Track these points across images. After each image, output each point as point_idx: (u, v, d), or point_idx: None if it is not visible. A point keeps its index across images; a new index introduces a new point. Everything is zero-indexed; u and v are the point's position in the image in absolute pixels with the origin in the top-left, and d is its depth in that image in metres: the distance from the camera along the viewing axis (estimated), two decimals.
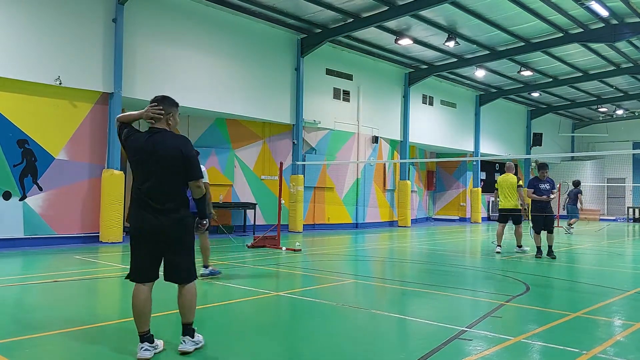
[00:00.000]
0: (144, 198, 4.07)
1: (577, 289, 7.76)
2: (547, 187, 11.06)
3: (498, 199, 11.90)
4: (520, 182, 11.66)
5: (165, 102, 4.21)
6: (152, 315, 4.17)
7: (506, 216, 11.79)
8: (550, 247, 10.90)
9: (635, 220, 28.29)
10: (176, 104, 4.29)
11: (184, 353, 4.09)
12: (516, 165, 30.85)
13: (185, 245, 4.17)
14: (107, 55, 12.39)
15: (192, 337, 4.21)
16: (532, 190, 11.08)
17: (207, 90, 14.47)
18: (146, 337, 4.05)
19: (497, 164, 28.12)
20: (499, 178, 11.97)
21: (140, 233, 4.09)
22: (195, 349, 4.18)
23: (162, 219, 4.04)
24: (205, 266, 7.64)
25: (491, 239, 16.14)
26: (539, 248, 10.97)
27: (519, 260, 10.46)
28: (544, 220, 10.90)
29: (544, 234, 10.98)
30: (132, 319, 4.11)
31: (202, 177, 4.23)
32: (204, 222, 4.36)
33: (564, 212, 19.09)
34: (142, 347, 4.00)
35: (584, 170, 30.88)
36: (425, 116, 22.59)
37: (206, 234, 7.54)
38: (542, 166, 11.19)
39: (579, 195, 18.30)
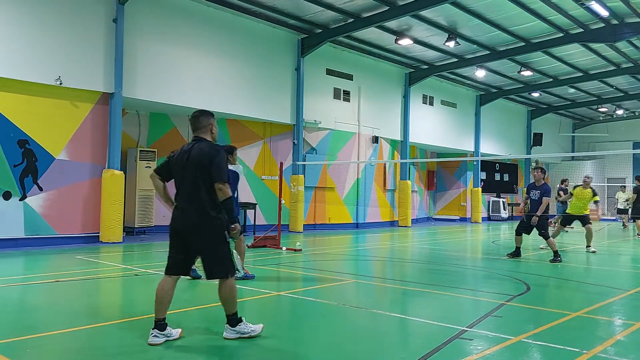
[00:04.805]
0: (179, 200, 4.52)
1: (577, 289, 7.77)
2: (537, 195, 10.57)
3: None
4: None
5: (205, 114, 4.63)
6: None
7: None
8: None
9: (635, 220, 28.22)
10: (212, 114, 4.71)
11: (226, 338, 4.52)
12: (516, 166, 30.54)
13: (213, 245, 4.45)
14: (107, 55, 12.40)
15: (232, 325, 4.58)
16: (527, 196, 10.98)
17: (207, 90, 14.47)
18: (158, 324, 4.38)
19: (497, 164, 28.12)
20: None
21: (175, 231, 4.52)
22: (237, 337, 4.54)
23: (192, 219, 4.40)
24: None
25: (492, 239, 16.16)
26: (517, 248, 10.91)
27: (519, 261, 10.46)
28: (526, 225, 10.73)
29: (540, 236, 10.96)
30: (132, 319, 4.37)
31: (223, 180, 4.37)
32: (232, 225, 4.50)
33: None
34: (152, 334, 4.35)
35: (584, 170, 30.82)
36: (426, 116, 22.57)
37: (241, 238, 7.76)
38: (536, 169, 10.96)
39: None
